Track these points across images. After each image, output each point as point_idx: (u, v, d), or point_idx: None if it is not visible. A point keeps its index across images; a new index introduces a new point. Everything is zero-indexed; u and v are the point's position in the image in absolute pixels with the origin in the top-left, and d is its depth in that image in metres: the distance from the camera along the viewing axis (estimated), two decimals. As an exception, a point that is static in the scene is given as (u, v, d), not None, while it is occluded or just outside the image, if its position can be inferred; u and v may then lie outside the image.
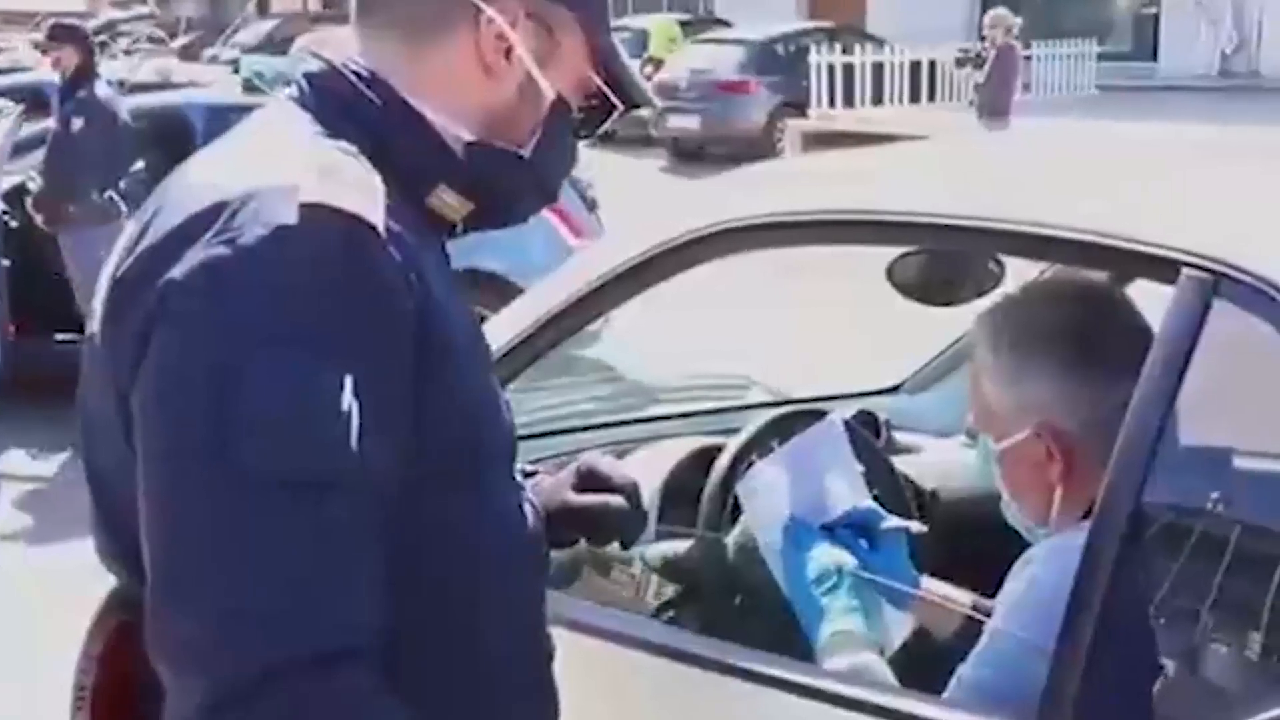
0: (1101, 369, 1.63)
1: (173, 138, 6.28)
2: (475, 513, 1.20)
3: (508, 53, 1.23)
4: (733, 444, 2.10)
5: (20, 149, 6.41)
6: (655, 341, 5.22)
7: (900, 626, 1.81)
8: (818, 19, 19.79)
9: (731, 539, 1.93)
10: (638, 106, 1.35)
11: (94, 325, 1.17)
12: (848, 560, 1.74)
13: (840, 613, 1.69)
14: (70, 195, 6.17)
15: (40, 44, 9.64)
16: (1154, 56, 20.23)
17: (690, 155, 16.11)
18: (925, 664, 1.72)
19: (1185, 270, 1.46)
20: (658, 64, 17.26)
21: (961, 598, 1.85)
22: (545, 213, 2.64)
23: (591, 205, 7.00)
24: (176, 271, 1.06)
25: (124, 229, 1.21)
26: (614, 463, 1.49)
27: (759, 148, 15.23)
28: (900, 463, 2.30)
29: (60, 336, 6.07)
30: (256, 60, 11.46)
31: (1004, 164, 2.16)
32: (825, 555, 1.74)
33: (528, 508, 1.32)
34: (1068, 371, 1.65)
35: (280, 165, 1.11)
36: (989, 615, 1.64)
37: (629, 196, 7.21)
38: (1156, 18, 20.51)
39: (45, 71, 7.71)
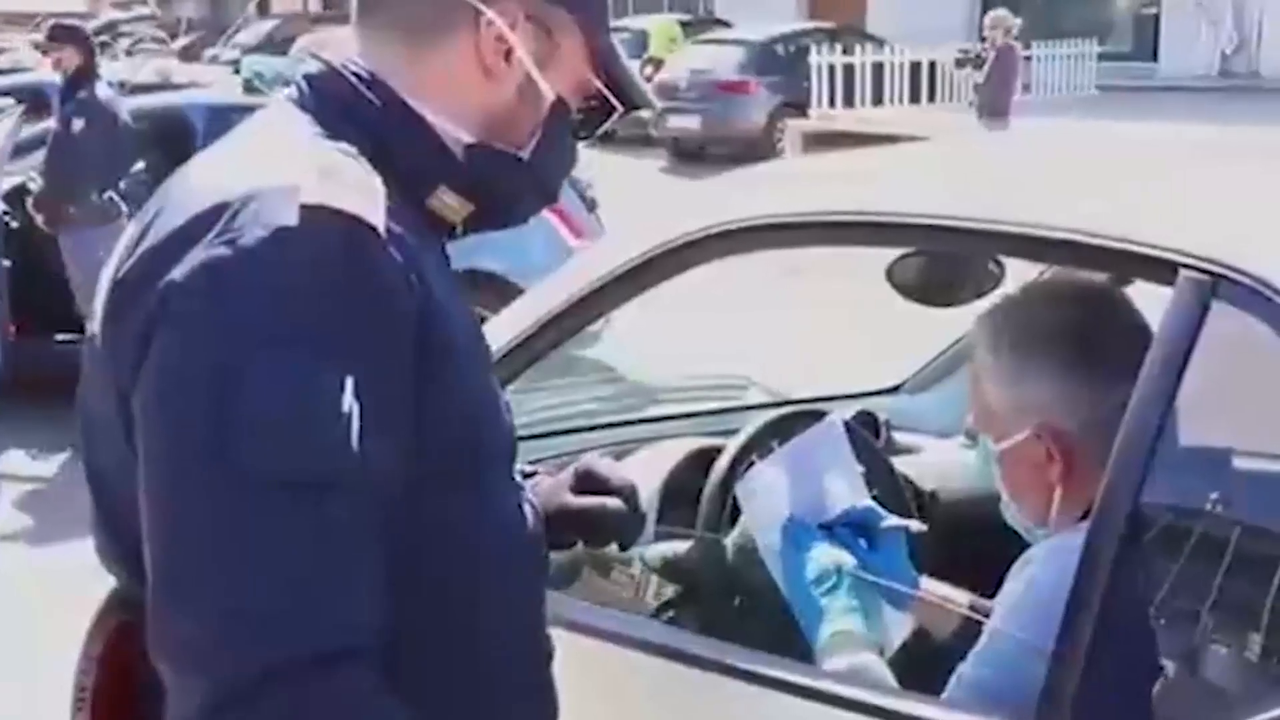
0: (1101, 370, 1.63)
1: (173, 138, 6.29)
2: (475, 513, 1.21)
3: (507, 55, 1.24)
4: (732, 445, 2.10)
5: (21, 150, 6.42)
6: (655, 342, 5.22)
7: (900, 627, 1.81)
8: (818, 19, 19.79)
9: (731, 539, 1.93)
10: (637, 108, 1.35)
11: (94, 326, 1.17)
12: (847, 560, 1.74)
13: (840, 613, 1.69)
14: (70, 196, 6.17)
15: (41, 45, 9.63)
16: (1154, 57, 20.23)
17: (690, 155, 16.11)
18: (925, 664, 1.72)
19: (1184, 271, 1.46)
20: (658, 64, 17.25)
21: (961, 598, 1.85)
22: (545, 213, 2.65)
23: (591, 205, 7.00)
24: (177, 273, 1.06)
25: (124, 230, 1.21)
26: (612, 465, 1.49)
27: (759, 148, 15.24)
28: (900, 463, 2.30)
29: (60, 337, 6.08)
30: (257, 61, 11.48)
31: (1004, 165, 2.16)
32: (825, 555, 1.74)
33: (528, 508, 1.32)
34: (1067, 372, 1.65)
35: (281, 166, 1.11)
36: (988, 616, 1.65)
37: (629, 197, 7.23)
38: (1157, 18, 20.51)
39: (46, 72, 7.71)
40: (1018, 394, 1.68)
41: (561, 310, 1.97)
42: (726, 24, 20.55)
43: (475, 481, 1.20)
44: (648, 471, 2.05)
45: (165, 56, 16.08)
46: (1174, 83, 18.06)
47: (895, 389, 2.89)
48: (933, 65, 16.47)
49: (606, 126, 1.35)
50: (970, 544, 1.98)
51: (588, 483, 1.44)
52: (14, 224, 6.30)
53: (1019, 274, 2.12)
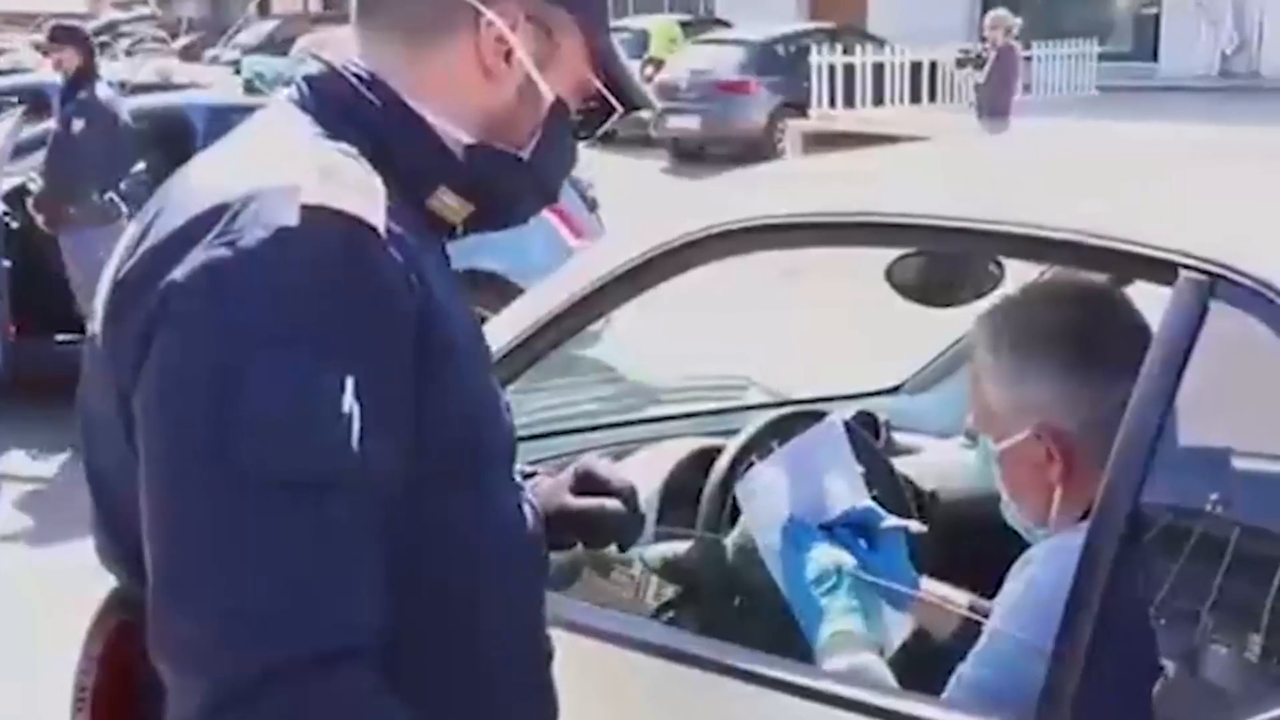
0: (1101, 370, 1.63)
1: (174, 139, 6.29)
2: (475, 513, 1.21)
3: (507, 55, 1.24)
4: (732, 445, 2.10)
5: (21, 150, 6.42)
6: (655, 342, 5.22)
7: (900, 627, 1.81)
8: (818, 19, 19.79)
9: (731, 540, 1.93)
10: (637, 108, 1.35)
11: (95, 326, 1.17)
12: (847, 560, 1.75)
13: (840, 613, 1.69)
14: (71, 196, 6.18)
15: (41, 45, 9.65)
16: (1154, 57, 20.22)
17: (691, 156, 16.11)
18: (925, 664, 1.72)
19: (1183, 271, 1.46)
20: (658, 65, 17.26)
21: (961, 598, 1.85)
22: (545, 213, 2.65)
23: (592, 206, 7.01)
24: (178, 273, 1.06)
25: (124, 230, 1.21)
26: (611, 466, 1.50)
27: (759, 148, 15.25)
28: (900, 464, 2.30)
29: (60, 337, 6.08)
30: (257, 61, 11.50)
31: (1004, 165, 2.16)
32: (824, 556, 1.74)
33: (527, 508, 1.32)
34: (1067, 372, 1.66)
35: (281, 167, 1.11)
36: (988, 616, 1.65)
37: (629, 197, 7.22)
38: (1157, 18, 20.50)
39: (46, 73, 7.71)
40: (1018, 394, 1.68)
41: (561, 310, 1.97)
42: (726, 24, 20.55)
43: (475, 482, 1.21)
44: (648, 472, 2.05)
45: (165, 57, 16.10)
46: (1174, 83, 18.06)
47: (895, 389, 2.89)
48: (933, 65, 16.47)
49: (606, 127, 1.35)
50: (970, 544, 1.98)
51: (587, 483, 1.44)
52: (14, 224, 6.30)
53: (1019, 274, 2.12)
